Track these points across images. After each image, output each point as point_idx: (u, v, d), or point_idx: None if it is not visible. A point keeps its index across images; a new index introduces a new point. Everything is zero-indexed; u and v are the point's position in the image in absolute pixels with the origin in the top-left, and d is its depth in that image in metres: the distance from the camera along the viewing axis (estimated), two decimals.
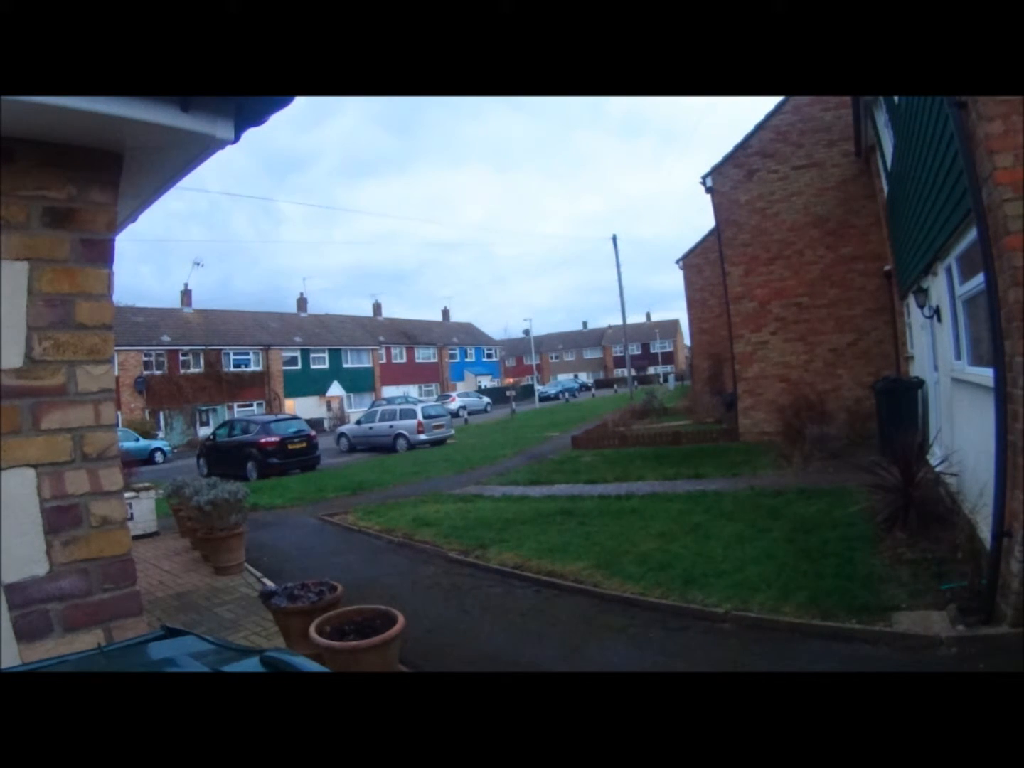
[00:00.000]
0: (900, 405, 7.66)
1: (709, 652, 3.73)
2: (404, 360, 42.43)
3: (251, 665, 1.30)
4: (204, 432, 25.65)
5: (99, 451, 1.94)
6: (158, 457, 21.77)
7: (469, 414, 30.90)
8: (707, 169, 11.83)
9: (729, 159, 11.67)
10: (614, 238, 32.56)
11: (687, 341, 31.15)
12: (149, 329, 29.35)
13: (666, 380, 46.80)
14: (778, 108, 11.27)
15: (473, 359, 49.57)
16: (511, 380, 53.25)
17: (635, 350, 55.86)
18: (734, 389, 12.20)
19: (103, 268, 2.00)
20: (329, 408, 34.73)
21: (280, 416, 18.52)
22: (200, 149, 2.03)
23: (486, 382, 48.33)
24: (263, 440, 14.89)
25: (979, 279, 3.74)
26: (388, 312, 45.63)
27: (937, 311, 5.84)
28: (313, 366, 35.53)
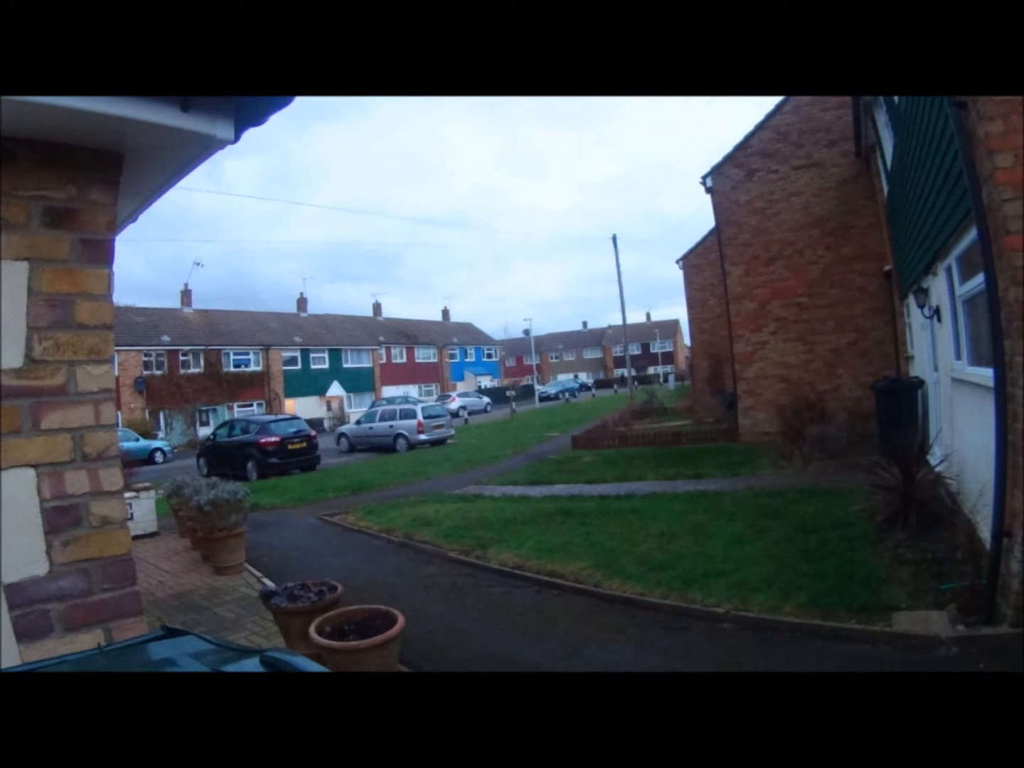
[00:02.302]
0: (900, 405, 7.65)
1: (709, 652, 3.73)
2: (404, 360, 42.44)
3: (251, 665, 1.30)
4: (204, 432, 25.62)
5: (99, 451, 1.94)
6: (158, 457, 21.76)
7: (469, 414, 30.88)
8: (714, 161, 11.82)
9: (729, 159, 11.67)
10: (614, 238, 32.54)
11: (687, 341, 31.14)
12: (149, 329, 29.34)
13: (666, 380, 46.81)
14: (778, 108, 11.27)
15: (473, 359, 49.57)
16: (508, 380, 53.22)
17: (635, 350, 55.86)
18: (734, 389, 12.20)
19: (103, 268, 2.00)
20: (329, 408, 34.72)
21: (280, 416, 18.52)
22: (200, 149, 2.03)
23: (486, 382, 48.32)
24: (263, 440, 14.89)
25: (979, 279, 3.74)
26: (372, 298, 45.45)
27: (937, 311, 5.84)
28: (313, 366, 35.53)
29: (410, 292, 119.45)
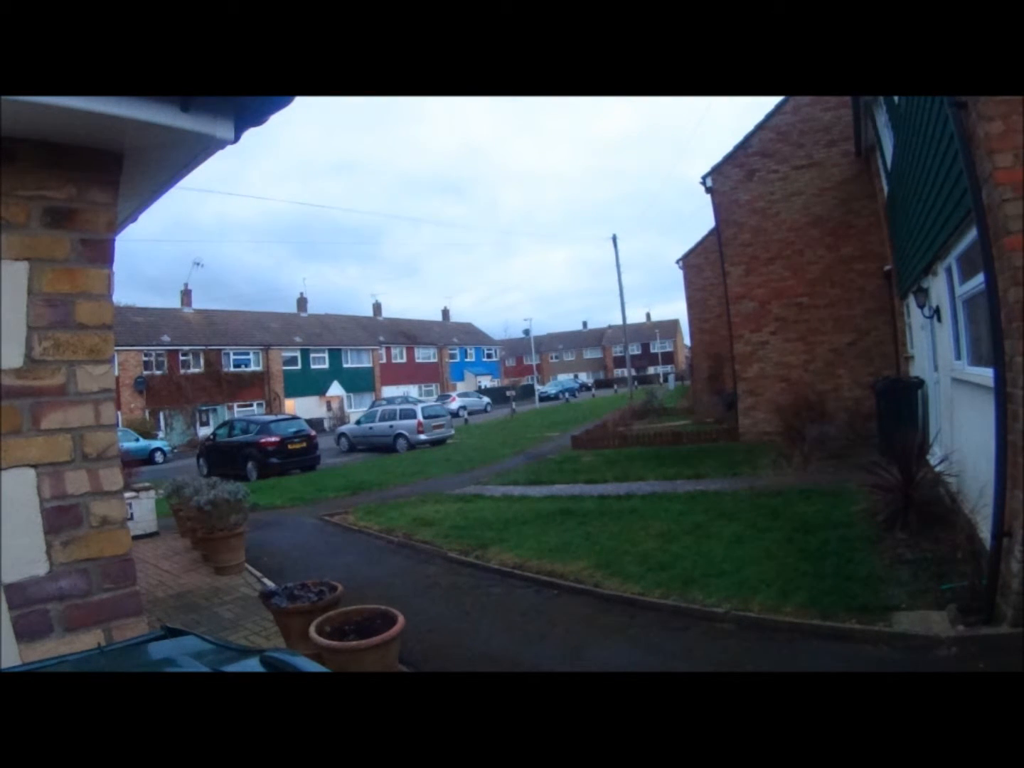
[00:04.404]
0: (900, 405, 7.65)
1: (709, 652, 3.73)
2: (404, 360, 42.45)
3: (251, 665, 1.30)
4: (204, 432, 25.63)
5: (99, 451, 1.94)
6: (158, 457, 21.77)
7: (469, 414, 30.88)
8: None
9: (729, 159, 11.67)
10: (614, 238, 32.51)
11: (687, 341, 31.14)
12: (149, 329, 29.34)
13: (666, 380, 46.81)
14: (778, 108, 11.27)
15: (473, 359, 49.57)
16: (508, 380, 53.21)
17: (635, 350, 55.85)
18: (734, 389, 12.20)
19: (103, 268, 2.00)
20: (329, 408, 34.72)
21: (280, 416, 18.53)
22: (200, 149, 2.03)
23: (486, 382, 48.32)
24: (263, 440, 14.89)
25: (979, 279, 3.74)
26: (352, 278, 45.12)
27: (937, 311, 5.84)
28: (313, 366, 35.54)
29: (400, 279, 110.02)
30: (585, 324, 72.51)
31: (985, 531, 3.78)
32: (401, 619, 3.27)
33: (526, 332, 49.15)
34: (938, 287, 5.66)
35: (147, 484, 8.53)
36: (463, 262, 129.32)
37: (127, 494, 6.26)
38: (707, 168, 11.83)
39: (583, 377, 60.35)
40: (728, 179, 11.64)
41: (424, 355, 44.36)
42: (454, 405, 31.76)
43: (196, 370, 30.15)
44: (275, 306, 37.98)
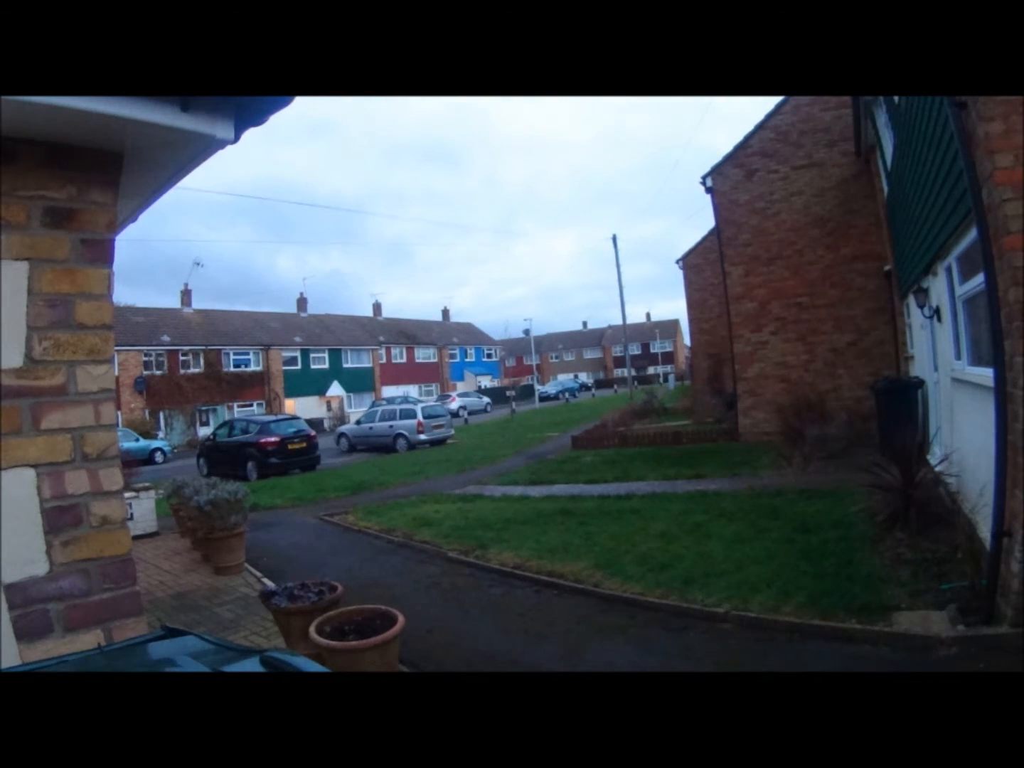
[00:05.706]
0: (900, 405, 7.65)
1: (709, 652, 3.73)
2: (404, 360, 42.46)
3: (251, 665, 1.30)
4: (204, 432, 25.65)
5: (99, 451, 1.94)
6: (158, 457, 21.78)
7: (469, 414, 30.89)
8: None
9: (729, 159, 11.67)
10: (614, 238, 32.52)
11: (687, 341, 31.15)
12: (149, 329, 29.35)
13: (666, 380, 46.81)
14: (778, 108, 11.27)
15: (473, 359, 49.57)
16: (508, 380, 53.19)
17: (635, 350, 55.86)
18: (734, 389, 12.20)
19: (103, 268, 2.00)
20: (329, 408, 34.73)
21: (280, 416, 18.52)
22: (200, 149, 2.03)
23: (486, 382, 48.32)
24: (263, 440, 14.89)
25: (979, 279, 3.74)
26: (336, 264, 44.86)
27: (937, 311, 5.84)
28: (313, 366, 35.55)
29: (389, 266, 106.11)
30: (585, 324, 72.55)
31: (985, 531, 3.78)
32: (401, 619, 3.27)
33: (526, 332, 49.18)
34: (938, 287, 5.66)
35: (147, 484, 8.53)
36: (461, 253, 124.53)
37: (127, 494, 6.26)
38: (729, 139, 11.81)
39: (583, 377, 60.33)
40: (728, 179, 11.64)
41: (424, 355, 44.36)
42: (454, 405, 31.75)
43: (196, 370, 30.16)
44: (264, 300, 37.82)
